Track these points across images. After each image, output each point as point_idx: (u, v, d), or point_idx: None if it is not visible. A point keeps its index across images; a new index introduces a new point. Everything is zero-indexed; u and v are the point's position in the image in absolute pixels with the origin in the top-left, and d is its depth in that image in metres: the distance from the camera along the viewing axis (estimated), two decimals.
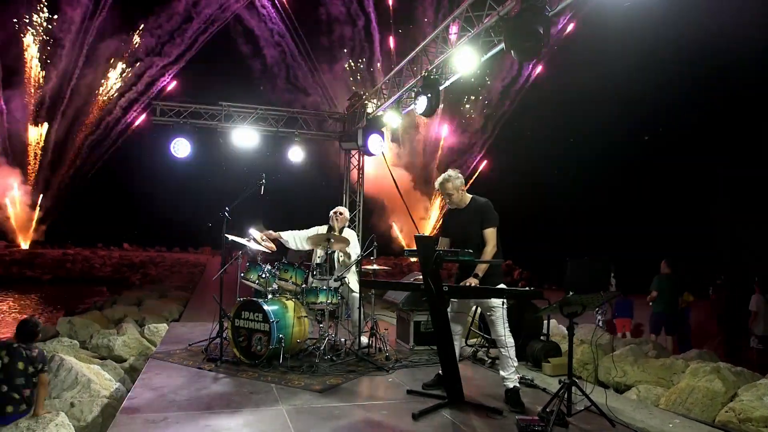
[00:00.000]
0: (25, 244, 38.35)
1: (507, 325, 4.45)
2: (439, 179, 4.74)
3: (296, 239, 6.35)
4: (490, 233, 4.55)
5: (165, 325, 7.89)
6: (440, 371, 4.58)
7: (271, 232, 6.22)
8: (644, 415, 4.31)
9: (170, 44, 39.15)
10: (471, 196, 4.77)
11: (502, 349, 4.44)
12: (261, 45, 40.28)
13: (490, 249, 4.50)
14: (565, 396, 3.98)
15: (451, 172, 4.71)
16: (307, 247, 6.33)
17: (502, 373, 4.49)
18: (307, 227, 6.47)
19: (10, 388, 3.71)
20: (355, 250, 6.35)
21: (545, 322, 6.12)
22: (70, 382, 4.56)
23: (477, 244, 4.52)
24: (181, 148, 10.50)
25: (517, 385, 4.47)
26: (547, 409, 3.93)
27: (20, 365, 3.78)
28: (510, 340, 4.41)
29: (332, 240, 5.83)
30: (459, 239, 4.59)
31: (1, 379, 3.73)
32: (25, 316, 4.25)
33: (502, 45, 5.95)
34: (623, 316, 9.76)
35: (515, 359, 4.45)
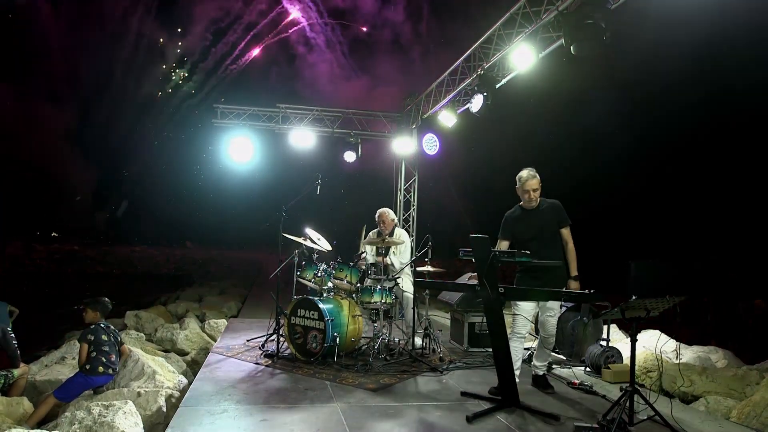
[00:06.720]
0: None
1: None
2: (525, 174, 4.67)
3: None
4: (569, 232, 4.67)
5: (224, 320, 8.14)
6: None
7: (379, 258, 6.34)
8: (714, 428, 4.08)
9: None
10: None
11: (547, 347, 4.83)
12: (311, 44, 41.21)
13: (572, 247, 4.64)
14: (627, 404, 3.82)
15: (531, 169, 4.68)
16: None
17: (535, 362, 4.92)
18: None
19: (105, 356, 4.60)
20: (405, 252, 6.34)
21: (605, 327, 5.91)
22: (137, 372, 4.79)
23: (553, 244, 4.62)
24: (241, 150, 10.71)
25: (546, 372, 5.00)
26: (608, 417, 3.79)
27: (111, 338, 4.72)
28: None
29: (386, 240, 5.84)
30: (533, 239, 4.61)
31: (106, 351, 4.61)
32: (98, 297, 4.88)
33: (561, 41, 5.80)
34: None
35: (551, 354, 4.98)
